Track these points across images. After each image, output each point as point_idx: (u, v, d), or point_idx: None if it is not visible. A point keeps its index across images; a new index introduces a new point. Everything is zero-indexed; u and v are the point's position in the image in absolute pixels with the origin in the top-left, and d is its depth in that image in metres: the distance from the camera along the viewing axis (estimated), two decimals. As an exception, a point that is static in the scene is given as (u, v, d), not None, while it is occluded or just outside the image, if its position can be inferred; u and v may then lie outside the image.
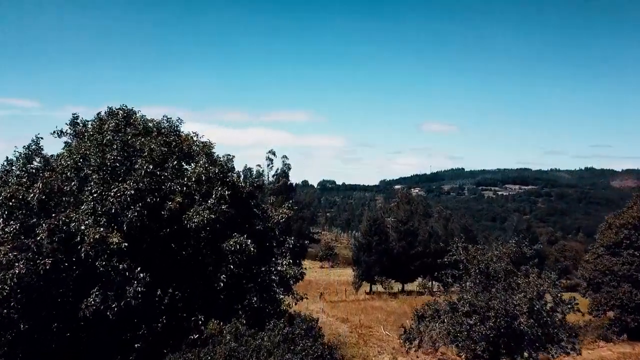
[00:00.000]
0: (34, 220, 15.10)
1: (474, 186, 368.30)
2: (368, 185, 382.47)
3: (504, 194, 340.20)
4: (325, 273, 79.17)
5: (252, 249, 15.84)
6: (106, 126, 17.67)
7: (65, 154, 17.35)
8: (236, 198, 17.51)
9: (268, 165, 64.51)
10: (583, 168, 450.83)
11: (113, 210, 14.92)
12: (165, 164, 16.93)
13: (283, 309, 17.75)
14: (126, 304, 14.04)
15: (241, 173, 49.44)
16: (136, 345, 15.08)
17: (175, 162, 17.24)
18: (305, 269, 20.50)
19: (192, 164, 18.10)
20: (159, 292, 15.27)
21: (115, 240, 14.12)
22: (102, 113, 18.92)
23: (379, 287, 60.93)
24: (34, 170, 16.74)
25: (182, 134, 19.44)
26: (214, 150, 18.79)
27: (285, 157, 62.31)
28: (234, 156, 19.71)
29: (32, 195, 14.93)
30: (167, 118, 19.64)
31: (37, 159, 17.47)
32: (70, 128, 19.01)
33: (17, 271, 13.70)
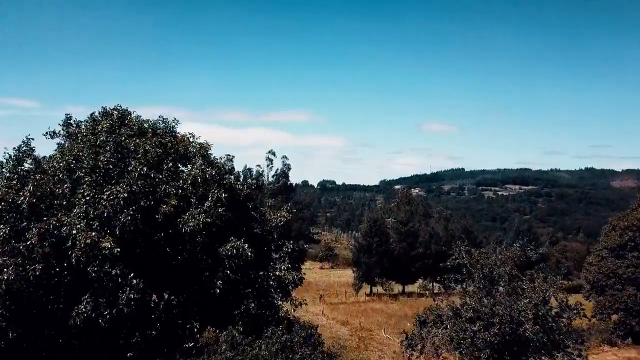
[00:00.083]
0: (25, 224, 14.63)
1: (474, 186, 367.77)
2: (368, 186, 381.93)
3: (504, 194, 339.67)
4: (325, 274, 78.76)
5: (249, 253, 15.33)
6: (100, 127, 17.18)
7: (58, 155, 16.88)
8: (233, 200, 17.01)
9: (268, 166, 64.08)
10: (583, 168, 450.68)
11: (105, 214, 14.42)
12: (160, 166, 16.44)
13: (281, 315, 17.25)
14: (118, 311, 13.55)
15: (241, 173, 49.03)
16: (129, 354, 14.60)
17: (171, 164, 16.75)
18: (304, 273, 19.97)
19: (188, 166, 17.61)
20: (153, 299, 14.79)
21: (108, 245, 13.64)
22: (96, 113, 18.44)
23: (379, 289, 60.50)
24: (24, 173, 16.25)
25: (178, 134, 18.96)
26: (210, 152, 18.30)
27: (285, 157, 61.83)
28: (233, 156, 19.35)
29: (22, 198, 14.47)
30: (163, 119, 19.19)
31: (29, 161, 16.99)
32: (63, 129, 18.53)
33: (5, 277, 13.24)
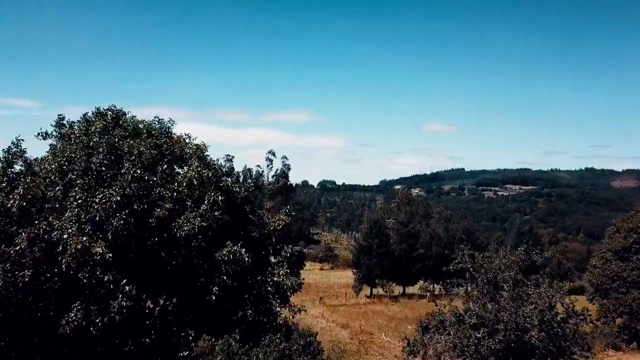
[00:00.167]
0: (14, 228, 14.14)
1: (474, 186, 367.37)
2: (368, 186, 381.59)
3: (504, 194, 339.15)
4: (325, 275, 78.33)
5: (246, 258, 14.81)
6: (93, 128, 16.68)
7: (50, 157, 16.35)
8: (230, 203, 16.51)
9: (268, 166, 63.67)
10: (583, 168, 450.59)
11: (97, 218, 13.91)
12: (155, 168, 15.93)
13: (280, 322, 16.74)
14: (110, 319, 13.05)
15: (240, 174, 48.61)
16: (122, 363, 14.11)
17: (166, 166, 16.25)
18: (304, 278, 19.48)
19: (184, 168, 17.12)
20: (147, 306, 14.29)
21: (99, 250, 13.11)
22: (89, 114, 17.93)
23: (379, 290, 60.02)
24: (14, 175, 15.73)
25: (174, 135, 18.46)
26: (207, 153, 17.80)
27: (285, 157, 61.69)
28: (233, 157, 18.96)
29: (12, 201, 13.96)
30: (159, 119, 18.65)
31: (19, 163, 16.47)
32: (55, 130, 18.02)
33: (-7, 284, 12.73)
